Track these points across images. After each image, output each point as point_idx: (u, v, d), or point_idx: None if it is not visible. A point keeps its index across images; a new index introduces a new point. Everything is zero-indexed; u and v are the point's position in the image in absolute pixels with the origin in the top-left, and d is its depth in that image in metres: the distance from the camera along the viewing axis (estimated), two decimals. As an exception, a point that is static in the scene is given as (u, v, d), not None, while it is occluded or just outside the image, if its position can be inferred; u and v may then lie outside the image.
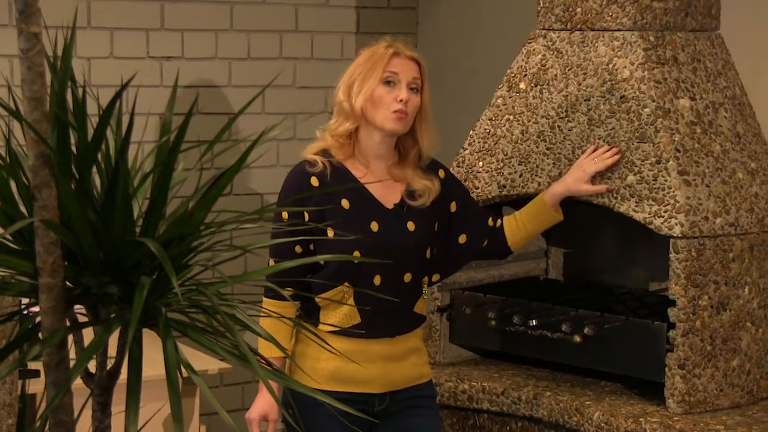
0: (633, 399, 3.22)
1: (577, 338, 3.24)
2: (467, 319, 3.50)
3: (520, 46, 3.50)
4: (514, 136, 3.43)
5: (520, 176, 3.38)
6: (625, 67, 3.24)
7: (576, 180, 3.12)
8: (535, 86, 3.42)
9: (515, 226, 3.05)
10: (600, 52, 3.30)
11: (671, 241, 3.08)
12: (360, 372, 2.85)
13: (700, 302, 3.09)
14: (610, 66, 3.27)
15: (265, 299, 2.85)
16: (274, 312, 2.80)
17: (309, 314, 2.89)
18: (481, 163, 3.47)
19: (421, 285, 2.93)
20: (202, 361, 3.26)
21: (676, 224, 3.07)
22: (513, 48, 3.58)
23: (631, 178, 3.15)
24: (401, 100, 2.81)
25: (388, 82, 2.83)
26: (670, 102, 3.19)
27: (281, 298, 2.79)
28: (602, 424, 3.10)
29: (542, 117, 3.38)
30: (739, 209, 3.16)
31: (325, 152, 2.87)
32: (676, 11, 3.30)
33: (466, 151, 3.51)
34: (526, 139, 3.39)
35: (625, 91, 3.22)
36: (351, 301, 2.84)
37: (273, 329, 2.79)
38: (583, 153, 3.22)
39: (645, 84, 3.19)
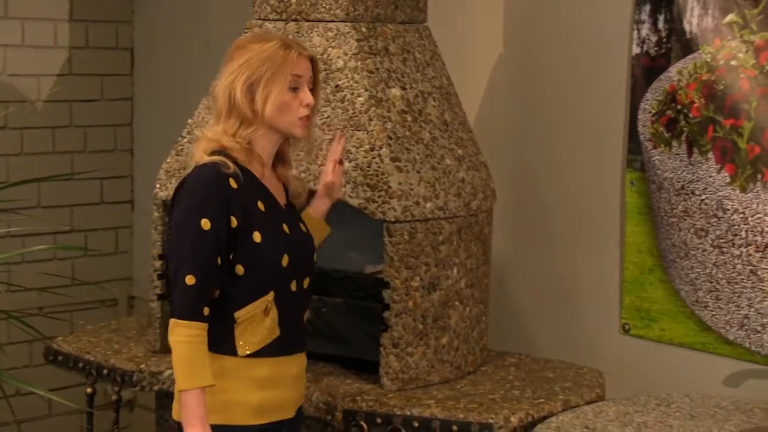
0: (350, 378, 3.32)
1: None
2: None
3: (237, 36, 3.54)
4: (232, 125, 3.46)
5: (239, 164, 3.42)
6: (339, 57, 3.33)
7: (323, 188, 3.01)
8: (253, 75, 3.46)
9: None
10: (315, 43, 3.38)
11: (385, 225, 3.20)
12: (281, 398, 2.69)
13: (412, 283, 3.23)
14: (325, 56, 3.35)
15: (184, 321, 2.55)
16: (196, 335, 2.56)
17: (221, 342, 2.62)
18: (199, 151, 3.49)
19: (312, 291, 2.80)
20: None
21: (390, 209, 3.19)
22: (231, 37, 3.60)
23: (346, 164, 3.25)
24: (308, 105, 2.68)
25: (293, 88, 2.68)
26: (382, 91, 3.31)
27: (202, 318, 2.55)
28: (321, 405, 3.18)
29: (259, 105, 3.43)
30: (448, 194, 3.32)
31: (220, 153, 2.64)
32: (386, 4, 3.42)
33: (185, 140, 3.52)
34: (244, 127, 3.44)
35: (339, 80, 3.32)
36: (273, 311, 2.65)
37: (193, 355, 2.57)
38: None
39: (358, 74, 3.30)
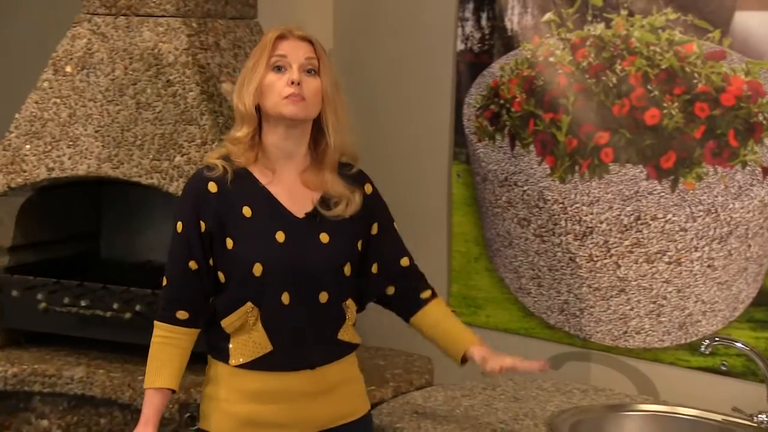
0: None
1: (129, 315, 3.32)
2: (16, 302, 3.47)
3: (65, 29, 3.51)
4: (62, 119, 3.44)
5: (69, 159, 3.40)
6: (170, 52, 3.35)
7: (490, 360, 2.72)
8: (82, 70, 3.45)
9: (431, 318, 2.72)
10: (145, 37, 3.39)
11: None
12: (278, 414, 2.54)
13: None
14: (156, 51, 3.36)
15: (155, 322, 2.57)
16: (163, 336, 2.55)
17: (217, 348, 2.57)
18: (28, 146, 3.45)
19: (342, 308, 2.59)
20: None
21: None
22: (59, 31, 3.58)
23: (179, 159, 3.27)
24: (293, 82, 2.49)
25: (277, 68, 2.53)
26: (214, 86, 3.34)
27: (172, 321, 2.54)
28: (155, 397, 3.20)
29: (90, 100, 3.42)
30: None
31: (226, 157, 2.57)
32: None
33: (13, 135, 3.48)
34: (74, 122, 3.42)
35: (170, 75, 3.33)
36: (258, 324, 2.52)
37: (155, 356, 2.56)
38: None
39: (190, 69, 3.32)
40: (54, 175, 3.41)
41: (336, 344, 2.60)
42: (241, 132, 2.55)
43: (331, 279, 2.56)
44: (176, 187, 3.25)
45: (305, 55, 2.54)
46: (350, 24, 3.88)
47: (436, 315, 2.73)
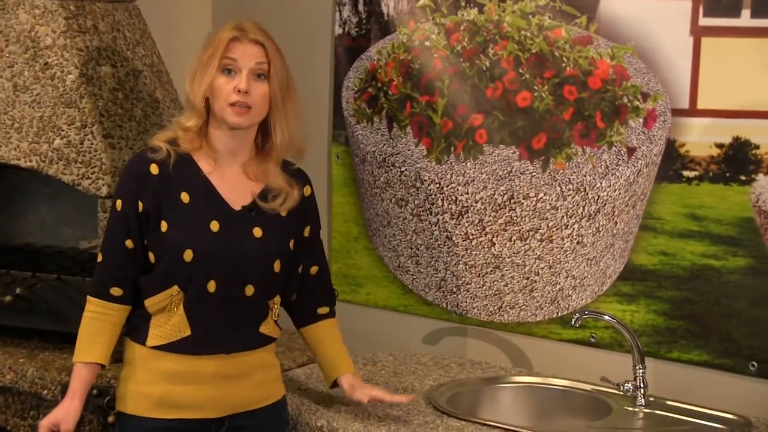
0: (66, 353, 3.34)
1: (9, 298, 3.31)
2: None
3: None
4: (-63, 102, 3.41)
5: (-54, 142, 3.38)
6: (47, 35, 3.34)
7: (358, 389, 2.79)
8: (-42, 52, 3.42)
9: (319, 335, 2.81)
10: (21, 20, 3.37)
11: (99, 201, 3.24)
12: (190, 395, 2.58)
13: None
14: (33, 33, 3.35)
15: (89, 297, 2.61)
16: (95, 312, 2.58)
17: (136, 329, 2.62)
18: None
19: (267, 305, 2.66)
20: None
21: (104, 185, 3.23)
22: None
23: (58, 141, 3.27)
24: (239, 91, 2.53)
25: (228, 71, 2.56)
26: (93, 69, 3.34)
27: (106, 297, 2.57)
28: (36, 380, 3.20)
29: (-34, 83, 3.39)
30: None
31: (173, 141, 2.61)
32: (95, -17, 3.45)
33: None
34: (-49, 104, 3.39)
35: (48, 58, 3.32)
36: (180, 308, 2.56)
37: (85, 331, 2.59)
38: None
39: (68, 51, 3.31)
40: (-70, 158, 3.37)
41: (255, 336, 2.66)
42: (190, 122, 2.60)
43: (259, 273, 2.61)
44: (56, 170, 3.25)
45: (255, 60, 2.57)
46: (229, 9, 3.90)
47: (324, 334, 2.82)
